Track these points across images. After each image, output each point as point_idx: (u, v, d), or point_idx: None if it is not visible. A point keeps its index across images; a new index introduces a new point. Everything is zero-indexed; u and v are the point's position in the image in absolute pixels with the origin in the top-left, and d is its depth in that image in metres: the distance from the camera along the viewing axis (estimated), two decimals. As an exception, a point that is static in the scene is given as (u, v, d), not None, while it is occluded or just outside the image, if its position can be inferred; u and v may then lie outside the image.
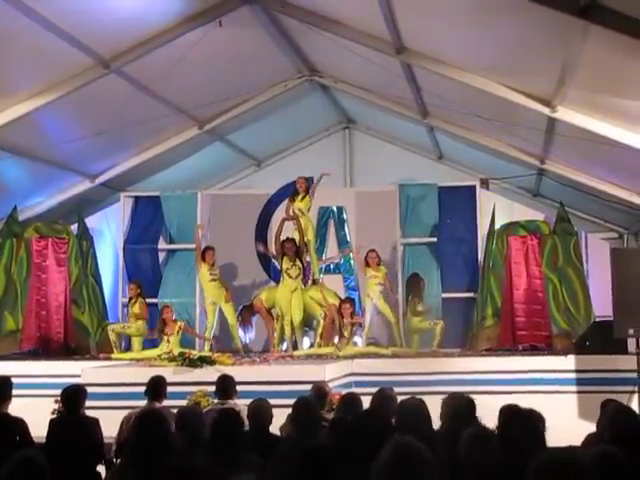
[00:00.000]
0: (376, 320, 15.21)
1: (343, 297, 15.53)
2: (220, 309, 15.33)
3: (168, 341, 14.41)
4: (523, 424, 5.61)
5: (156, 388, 9.39)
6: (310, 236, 15.57)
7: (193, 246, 15.75)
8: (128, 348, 15.57)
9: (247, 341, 15.54)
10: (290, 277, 14.64)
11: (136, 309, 15.38)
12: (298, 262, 14.73)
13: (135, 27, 12.01)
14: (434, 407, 6.39)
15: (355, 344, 14.54)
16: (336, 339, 14.34)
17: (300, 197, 15.62)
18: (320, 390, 9.04)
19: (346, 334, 14.25)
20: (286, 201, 16.06)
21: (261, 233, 17.09)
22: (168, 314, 14.74)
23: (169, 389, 9.68)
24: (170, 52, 12.55)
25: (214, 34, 12.48)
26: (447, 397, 6.65)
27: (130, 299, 15.60)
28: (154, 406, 8.93)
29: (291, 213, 15.48)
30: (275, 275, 15.94)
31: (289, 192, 16.55)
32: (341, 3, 11.91)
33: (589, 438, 6.77)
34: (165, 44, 12.42)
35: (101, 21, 11.35)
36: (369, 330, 15.01)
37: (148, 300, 15.81)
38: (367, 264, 15.12)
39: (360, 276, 16.15)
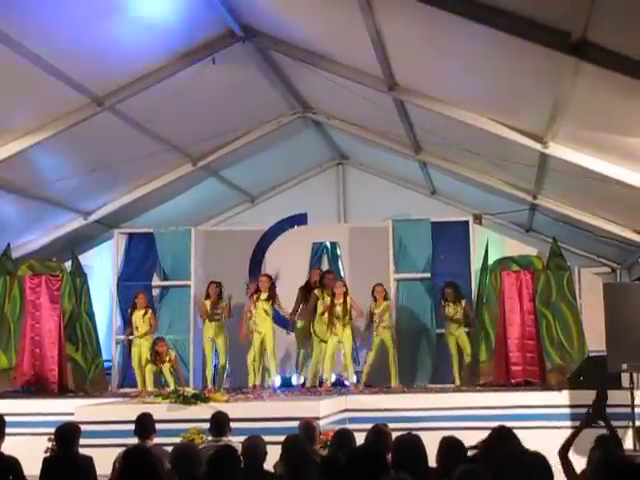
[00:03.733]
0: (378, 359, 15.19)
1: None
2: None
3: (161, 372, 14.85)
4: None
5: (143, 426, 9.23)
6: (269, 343, 14.81)
7: (187, 283, 15.80)
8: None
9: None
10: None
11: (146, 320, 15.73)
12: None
13: (128, 65, 12.11)
14: (429, 443, 6.36)
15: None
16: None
17: (265, 296, 14.93)
18: (307, 425, 9.00)
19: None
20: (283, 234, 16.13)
21: (255, 269, 17.05)
22: (162, 348, 14.98)
23: (163, 426, 9.63)
24: (163, 89, 12.63)
25: (207, 71, 12.57)
26: (441, 440, 6.59)
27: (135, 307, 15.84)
28: (145, 444, 8.85)
29: (253, 310, 14.92)
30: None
31: (283, 228, 16.71)
32: (333, 41, 11.99)
33: (583, 474, 6.74)
34: (158, 82, 12.50)
35: (94, 59, 11.44)
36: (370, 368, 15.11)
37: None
38: (375, 299, 15.12)
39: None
